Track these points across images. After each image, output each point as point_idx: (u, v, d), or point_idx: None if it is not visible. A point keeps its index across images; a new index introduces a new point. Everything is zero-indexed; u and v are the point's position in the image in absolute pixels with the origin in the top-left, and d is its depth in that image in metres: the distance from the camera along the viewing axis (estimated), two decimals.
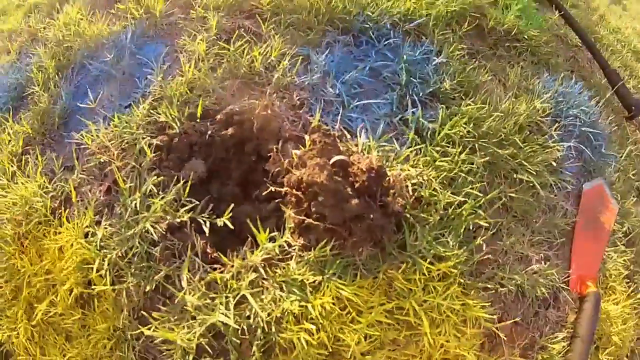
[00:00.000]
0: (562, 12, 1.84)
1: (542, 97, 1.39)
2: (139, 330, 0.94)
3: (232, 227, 0.90)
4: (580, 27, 1.83)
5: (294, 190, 0.88)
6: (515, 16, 1.58)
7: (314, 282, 0.87)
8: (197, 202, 0.96)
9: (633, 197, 1.50)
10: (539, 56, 1.63)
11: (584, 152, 1.41)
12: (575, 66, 1.80)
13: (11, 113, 1.40)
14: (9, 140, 1.35)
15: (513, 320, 1.05)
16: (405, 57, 1.27)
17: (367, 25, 1.35)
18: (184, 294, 0.89)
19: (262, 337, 0.88)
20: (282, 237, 0.90)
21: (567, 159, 1.35)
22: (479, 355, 1.01)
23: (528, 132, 1.30)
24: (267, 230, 0.88)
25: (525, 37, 1.60)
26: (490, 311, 0.99)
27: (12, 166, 1.27)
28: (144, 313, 0.94)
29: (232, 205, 0.91)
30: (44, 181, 1.18)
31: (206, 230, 0.92)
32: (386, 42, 1.33)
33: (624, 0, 2.52)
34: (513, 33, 1.58)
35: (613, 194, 1.43)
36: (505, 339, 1.02)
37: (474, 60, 1.45)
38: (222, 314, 0.86)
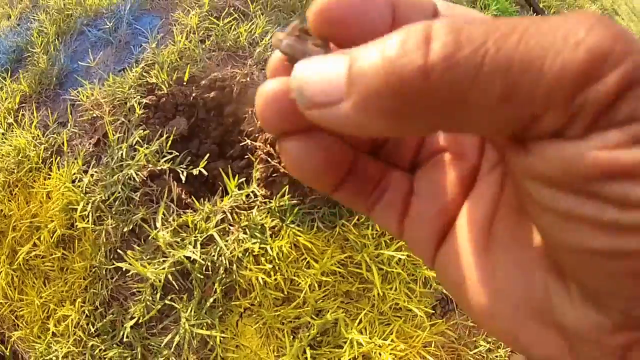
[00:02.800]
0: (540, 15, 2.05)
1: None
2: (114, 265, 1.11)
3: (205, 173, 1.08)
4: None
5: (266, 146, 1.07)
6: (492, 16, 1.79)
7: (274, 227, 1.04)
8: (178, 154, 1.14)
9: None
10: None
11: None
12: None
13: (10, 73, 1.59)
14: (6, 98, 1.54)
15: None
16: None
17: None
18: (157, 232, 1.06)
19: (224, 276, 1.05)
20: (249, 188, 1.08)
21: None
22: (430, 316, 1.17)
23: None
24: (237, 177, 1.06)
25: None
26: None
27: (8, 119, 1.46)
28: (120, 252, 1.12)
29: (208, 155, 1.09)
30: (38, 134, 1.37)
31: (183, 178, 1.10)
32: None
33: (615, 14, 2.75)
34: None
35: None
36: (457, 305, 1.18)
37: None
38: (191, 251, 1.04)
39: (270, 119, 0.14)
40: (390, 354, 1.07)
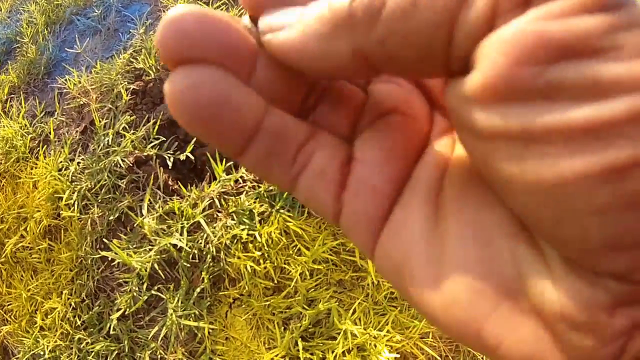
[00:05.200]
0: None
1: None
2: (99, 255, 1.11)
3: (193, 158, 1.08)
4: None
5: None
6: None
7: (263, 213, 1.04)
8: (165, 139, 1.14)
9: None
10: None
11: None
12: None
13: None
14: None
15: None
16: None
17: None
18: (143, 219, 1.06)
19: (211, 265, 1.05)
20: (237, 173, 1.07)
21: None
22: None
23: None
24: (225, 162, 1.06)
25: None
26: None
27: None
28: (106, 241, 1.12)
29: (195, 140, 1.09)
30: (26, 123, 1.38)
31: (169, 164, 1.10)
32: None
33: None
34: None
35: None
36: None
37: None
38: (177, 239, 1.03)
39: (169, 40, 0.11)
40: (386, 345, 1.05)
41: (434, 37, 0.10)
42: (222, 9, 1.40)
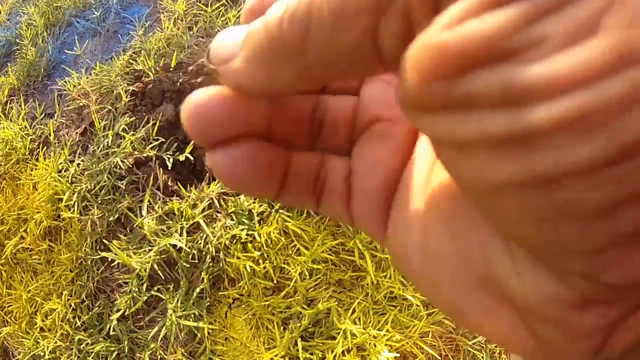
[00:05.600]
0: None
1: None
2: (99, 256, 1.11)
3: (192, 159, 1.08)
4: None
5: None
6: None
7: (262, 213, 1.04)
8: (164, 140, 1.15)
9: None
10: None
11: None
12: None
13: None
14: None
15: None
16: None
17: None
18: (142, 220, 1.07)
19: (211, 265, 1.05)
20: None
21: None
22: (426, 306, 1.16)
23: None
24: None
25: None
26: None
27: None
28: (106, 242, 1.12)
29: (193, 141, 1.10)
30: (26, 125, 1.39)
31: (169, 165, 1.11)
32: None
33: None
34: None
35: None
36: None
37: None
38: (177, 239, 1.04)
39: (197, 127, 0.13)
40: (386, 344, 1.05)
41: (361, 57, 0.10)
42: (220, 11, 1.41)
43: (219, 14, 1.41)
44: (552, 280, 0.09)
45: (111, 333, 1.13)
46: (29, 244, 1.28)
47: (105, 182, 1.16)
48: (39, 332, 1.24)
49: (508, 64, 0.07)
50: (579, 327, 0.09)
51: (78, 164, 1.22)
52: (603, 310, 0.09)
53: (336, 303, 1.07)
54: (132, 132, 1.17)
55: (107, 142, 1.19)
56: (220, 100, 0.13)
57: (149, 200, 1.11)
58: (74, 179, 1.21)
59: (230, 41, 0.13)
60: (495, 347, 1.06)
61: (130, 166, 1.14)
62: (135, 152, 1.15)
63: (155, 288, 1.10)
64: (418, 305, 1.07)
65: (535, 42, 0.07)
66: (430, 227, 0.13)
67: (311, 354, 1.05)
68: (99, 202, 1.16)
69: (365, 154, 0.15)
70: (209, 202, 1.07)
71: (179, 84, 1.24)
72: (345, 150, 0.16)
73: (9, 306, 1.35)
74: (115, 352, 1.12)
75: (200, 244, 1.05)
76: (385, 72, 0.11)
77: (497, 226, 0.10)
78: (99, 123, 1.22)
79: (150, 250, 1.08)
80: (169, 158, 1.13)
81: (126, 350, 1.11)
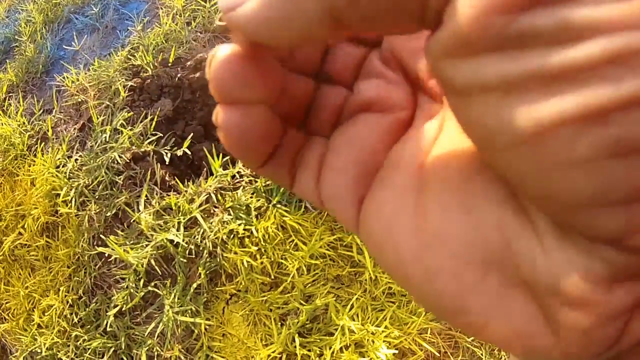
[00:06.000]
0: None
1: None
2: (96, 251, 1.11)
3: (190, 154, 1.08)
4: None
5: None
6: None
7: (259, 207, 1.04)
8: (162, 135, 1.14)
9: None
10: None
11: None
12: None
13: None
14: None
15: None
16: None
17: None
18: (140, 215, 1.06)
19: (208, 260, 1.05)
20: (234, 168, 1.08)
21: None
22: None
23: None
24: (222, 158, 1.06)
25: None
26: None
27: None
28: (103, 237, 1.12)
29: (192, 135, 1.10)
30: (24, 121, 1.39)
31: (167, 160, 1.11)
32: None
33: None
34: None
35: None
36: None
37: None
38: (174, 234, 1.04)
39: (225, 82, 0.13)
40: (384, 341, 1.05)
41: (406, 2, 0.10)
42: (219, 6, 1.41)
43: (217, 10, 1.41)
44: (579, 253, 0.09)
45: (108, 329, 1.12)
46: (27, 240, 1.28)
47: (102, 177, 1.16)
48: (36, 329, 1.24)
49: (570, 5, 0.08)
50: (607, 308, 0.09)
51: (76, 160, 1.22)
52: (630, 287, 0.09)
53: (334, 299, 1.07)
54: (130, 127, 1.17)
55: (105, 137, 1.19)
56: (249, 60, 0.13)
57: (146, 195, 1.11)
58: (71, 174, 1.21)
59: None
60: None
61: (128, 161, 1.13)
62: (133, 147, 1.14)
63: (153, 284, 1.10)
64: None
65: None
66: (430, 207, 0.12)
67: (309, 350, 1.05)
68: (97, 197, 1.16)
69: (344, 132, 0.15)
70: (206, 196, 1.06)
71: (177, 79, 1.24)
72: (327, 133, 0.16)
73: (6, 303, 1.35)
74: (112, 349, 1.12)
75: (197, 239, 1.05)
76: (412, 32, 0.11)
77: (524, 187, 0.09)
78: (97, 118, 1.22)
79: (147, 245, 1.08)
80: (166, 153, 1.12)
81: (123, 347, 1.11)
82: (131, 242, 1.11)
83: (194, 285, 1.06)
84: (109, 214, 1.14)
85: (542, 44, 0.08)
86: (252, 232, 1.03)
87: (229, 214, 1.04)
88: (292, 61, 0.16)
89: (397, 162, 0.13)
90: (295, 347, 1.03)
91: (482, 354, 1.06)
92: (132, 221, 1.12)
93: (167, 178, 1.12)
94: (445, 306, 0.11)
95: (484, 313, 0.10)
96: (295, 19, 0.11)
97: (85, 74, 1.36)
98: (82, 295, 1.19)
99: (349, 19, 0.10)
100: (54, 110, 1.36)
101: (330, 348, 1.03)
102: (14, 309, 1.33)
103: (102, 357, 1.11)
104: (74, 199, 1.18)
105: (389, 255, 0.12)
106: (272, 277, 1.07)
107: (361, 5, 0.10)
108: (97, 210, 1.16)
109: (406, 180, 0.13)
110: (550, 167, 0.08)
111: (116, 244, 1.10)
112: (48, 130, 1.33)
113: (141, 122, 1.18)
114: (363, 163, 0.14)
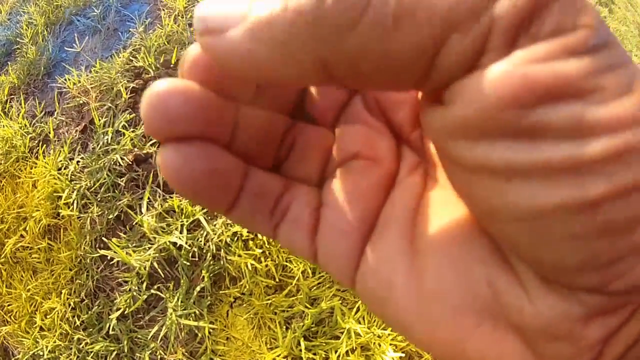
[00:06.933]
0: None
1: None
2: (99, 254, 1.10)
3: None
4: None
5: None
6: None
7: None
8: None
9: None
10: None
11: None
12: None
13: None
14: None
15: None
16: None
17: None
18: (142, 217, 1.05)
19: (212, 263, 1.04)
20: None
21: None
22: None
23: None
24: None
25: None
26: None
27: None
28: (106, 240, 1.11)
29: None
30: (25, 123, 1.38)
31: None
32: None
33: (611, 4, 2.67)
34: None
35: None
36: None
37: None
38: (177, 237, 1.03)
39: (154, 118, 0.12)
40: (391, 344, 1.04)
41: (412, 64, 0.09)
42: None
43: None
44: (560, 299, 0.10)
45: (110, 332, 1.11)
46: (29, 243, 1.27)
47: (105, 179, 1.15)
48: (38, 332, 1.23)
49: (580, 102, 0.09)
50: (584, 340, 0.10)
51: (78, 162, 1.21)
52: (603, 321, 0.10)
53: (340, 302, 1.06)
54: (132, 129, 1.16)
55: (107, 139, 1.18)
56: (183, 95, 0.12)
57: (148, 198, 1.10)
58: (73, 176, 1.20)
59: (227, 7, 0.11)
60: None
61: (130, 163, 1.13)
62: (135, 149, 1.14)
63: (155, 287, 1.09)
64: None
65: (599, 88, 0.09)
66: (425, 269, 0.13)
67: (314, 354, 1.03)
68: (99, 199, 1.15)
69: (342, 188, 0.14)
70: None
71: None
72: (314, 181, 0.15)
73: (8, 305, 1.34)
74: (115, 352, 1.11)
75: (200, 241, 1.04)
76: (411, 90, 0.11)
77: (518, 251, 0.11)
78: (99, 120, 1.21)
79: (150, 248, 1.07)
80: None
81: (126, 350, 1.10)
82: (134, 244, 1.10)
83: (198, 288, 1.05)
84: (111, 216, 1.13)
85: (550, 137, 0.09)
86: (256, 235, 1.02)
87: None
88: (261, 96, 0.14)
89: (388, 222, 0.14)
90: (300, 350, 1.02)
91: None
92: (134, 224, 1.11)
93: None
94: (446, 351, 0.12)
95: (481, 356, 0.12)
96: (283, 65, 0.10)
97: (87, 75, 1.35)
98: (84, 298, 1.18)
99: (339, 75, 0.10)
100: (56, 112, 1.35)
101: (336, 351, 1.02)
102: (16, 312, 1.32)
103: None
104: (75, 202, 1.17)
105: (390, 311, 0.13)
106: (277, 280, 1.06)
107: (357, 66, 0.10)
108: (99, 213, 1.16)
109: (399, 243, 0.13)
110: (545, 242, 0.10)
111: (118, 246, 1.09)
112: (50, 132, 1.32)
113: (143, 123, 1.17)
114: (364, 223, 0.14)
